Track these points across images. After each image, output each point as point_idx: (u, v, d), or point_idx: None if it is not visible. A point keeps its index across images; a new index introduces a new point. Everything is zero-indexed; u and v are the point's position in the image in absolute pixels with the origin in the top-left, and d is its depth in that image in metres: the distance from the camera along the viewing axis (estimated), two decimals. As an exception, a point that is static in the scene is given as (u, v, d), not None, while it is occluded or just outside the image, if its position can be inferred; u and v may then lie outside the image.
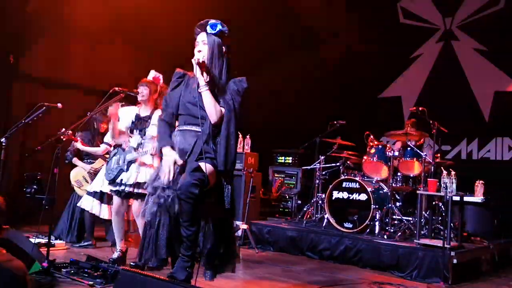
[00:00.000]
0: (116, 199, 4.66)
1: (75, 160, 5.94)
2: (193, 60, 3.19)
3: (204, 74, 3.19)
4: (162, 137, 3.26)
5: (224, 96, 3.19)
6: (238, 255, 3.31)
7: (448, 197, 4.78)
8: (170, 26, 7.03)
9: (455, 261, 4.68)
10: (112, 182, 4.58)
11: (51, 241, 5.16)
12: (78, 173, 5.91)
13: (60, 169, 4.11)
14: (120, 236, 4.72)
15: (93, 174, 5.82)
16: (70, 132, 5.40)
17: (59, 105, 4.90)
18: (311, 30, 8.45)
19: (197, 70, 3.17)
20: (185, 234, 2.99)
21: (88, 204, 5.45)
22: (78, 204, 5.59)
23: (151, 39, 7.36)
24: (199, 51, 3.23)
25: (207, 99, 3.14)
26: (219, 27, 3.26)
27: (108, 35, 7.31)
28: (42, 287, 3.65)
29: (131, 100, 4.85)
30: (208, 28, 3.26)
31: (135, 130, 4.64)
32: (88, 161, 5.98)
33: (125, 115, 4.74)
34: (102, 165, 5.88)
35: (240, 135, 6.86)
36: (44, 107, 4.31)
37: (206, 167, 3.00)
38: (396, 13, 8.34)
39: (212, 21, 3.28)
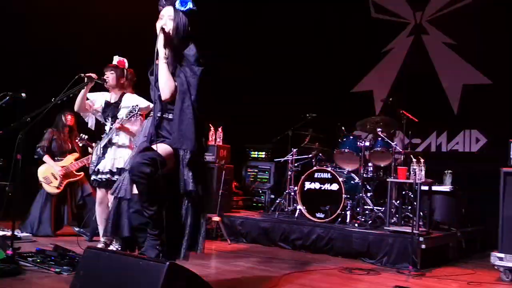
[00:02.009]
0: (98, 190, 4.64)
1: (46, 158, 5.79)
2: (157, 29, 3.05)
3: (166, 47, 3.06)
4: None
5: (179, 71, 3.06)
6: (198, 240, 3.21)
7: (417, 183, 4.86)
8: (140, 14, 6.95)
9: (423, 246, 4.75)
10: (93, 172, 4.58)
11: (16, 234, 5.07)
12: (47, 169, 5.77)
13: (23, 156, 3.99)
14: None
15: (64, 173, 5.73)
16: (86, 137, 5.28)
17: (23, 95, 4.80)
18: (284, 23, 8.47)
19: (159, 40, 3.03)
20: (147, 214, 2.93)
21: None
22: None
23: (119, 27, 7.24)
24: (164, 24, 3.09)
25: (162, 72, 3.01)
26: (189, 5, 3.13)
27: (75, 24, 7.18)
28: (6, 275, 3.56)
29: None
30: (177, 4, 3.12)
31: (106, 119, 4.62)
32: (57, 158, 5.86)
33: (97, 99, 4.70)
34: (71, 163, 5.78)
35: (212, 128, 6.85)
36: (7, 97, 4.19)
37: (157, 146, 2.95)
38: (368, 8, 8.42)
39: None
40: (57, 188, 5.72)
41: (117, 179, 4.38)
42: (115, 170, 4.46)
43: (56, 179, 5.72)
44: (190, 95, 3.02)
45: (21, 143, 3.87)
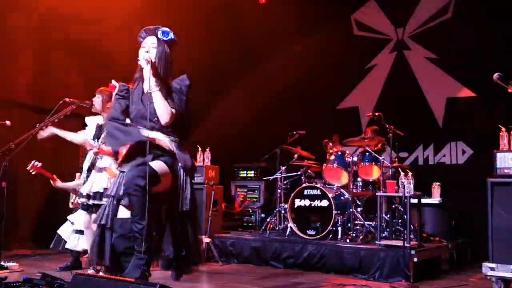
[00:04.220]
0: (83, 213, 4.63)
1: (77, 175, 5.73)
2: (142, 60, 3.19)
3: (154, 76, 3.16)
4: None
5: (169, 97, 3.19)
6: (201, 255, 3.28)
7: (406, 196, 4.87)
8: (123, 38, 6.96)
9: (415, 259, 4.75)
10: (80, 195, 4.57)
11: (3, 263, 4.99)
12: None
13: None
14: None
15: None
16: (39, 164, 5.16)
17: (8, 122, 4.77)
18: (269, 44, 8.55)
19: (147, 70, 3.15)
20: (136, 228, 2.94)
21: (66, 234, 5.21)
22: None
23: (104, 53, 7.24)
24: (147, 52, 3.23)
25: (158, 99, 3.12)
26: (171, 35, 3.30)
27: (58, 50, 7.17)
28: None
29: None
30: (159, 34, 3.28)
31: (95, 140, 4.64)
32: None
33: (91, 124, 4.72)
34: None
35: (200, 148, 6.82)
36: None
37: (156, 163, 2.99)
38: (350, 26, 8.54)
39: (164, 28, 3.32)
40: (72, 203, 5.68)
41: (93, 203, 4.43)
42: (91, 193, 4.45)
43: (75, 194, 5.69)
44: (185, 120, 3.19)
45: (7, 171, 3.82)
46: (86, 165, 4.54)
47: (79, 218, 5.07)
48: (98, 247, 3.07)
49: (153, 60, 3.15)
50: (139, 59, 3.29)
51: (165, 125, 3.13)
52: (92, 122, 4.75)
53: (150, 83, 3.14)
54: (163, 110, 3.11)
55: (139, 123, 3.25)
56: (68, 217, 5.40)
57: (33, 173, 5.13)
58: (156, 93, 3.13)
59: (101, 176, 4.49)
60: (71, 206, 5.76)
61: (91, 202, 4.40)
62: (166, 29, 3.31)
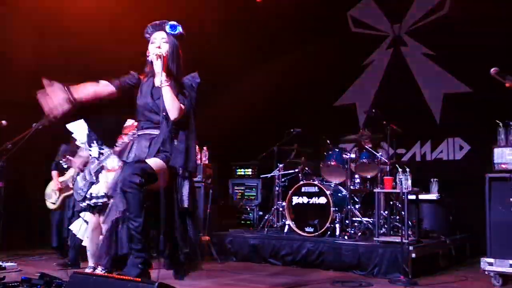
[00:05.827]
0: (91, 216, 4.57)
1: (53, 173, 5.72)
2: (153, 55, 3.19)
3: (165, 71, 3.17)
4: None
5: (181, 93, 3.19)
6: (202, 254, 3.26)
7: (404, 192, 4.87)
8: (123, 39, 6.93)
9: (414, 255, 4.76)
10: (83, 199, 4.51)
11: (1, 263, 4.98)
12: (51, 185, 5.71)
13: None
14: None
15: (59, 188, 5.63)
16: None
17: (4, 122, 4.76)
18: (269, 41, 8.54)
19: (157, 65, 3.16)
20: (132, 226, 2.94)
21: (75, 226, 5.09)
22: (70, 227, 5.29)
23: (103, 53, 7.21)
24: (158, 47, 3.22)
25: (167, 94, 3.11)
26: (179, 29, 3.31)
27: (56, 50, 7.14)
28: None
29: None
30: (168, 28, 3.28)
31: (92, 142, 4.60)
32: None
33: (77, 129, 4.66)
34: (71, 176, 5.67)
35: (197, 147, 6.80)
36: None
37: (153, 160, 2.99)
38: (347, 22, 8.53)
39: (172, 22, 3.32)
40: (53, 203, 5.65)
41: (95, 204, 4.41)
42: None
43: (56, 194, 5.65)
44: (193, 117, 3.19)
45: (3, 170, 3.81)
46: (93, 169, 4.49)
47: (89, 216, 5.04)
48: (107, 242, 3.05)
49: (164, 55, 3.16)
50: (149, 54, 3.28)
51: (173, 120, 3.12)
52: (76, 127, 4.69)
53: (161, 78, 3.13)
54: (171, 105, 3.10)
55: (144, 116, 3.25)
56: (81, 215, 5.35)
57: (65, 166, 5.30)
58: (166, 88, 3.12)
59: (113, 176, 4.42)
60: (52, 207, 5.70)
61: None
62: (174, 22, 3.31)
